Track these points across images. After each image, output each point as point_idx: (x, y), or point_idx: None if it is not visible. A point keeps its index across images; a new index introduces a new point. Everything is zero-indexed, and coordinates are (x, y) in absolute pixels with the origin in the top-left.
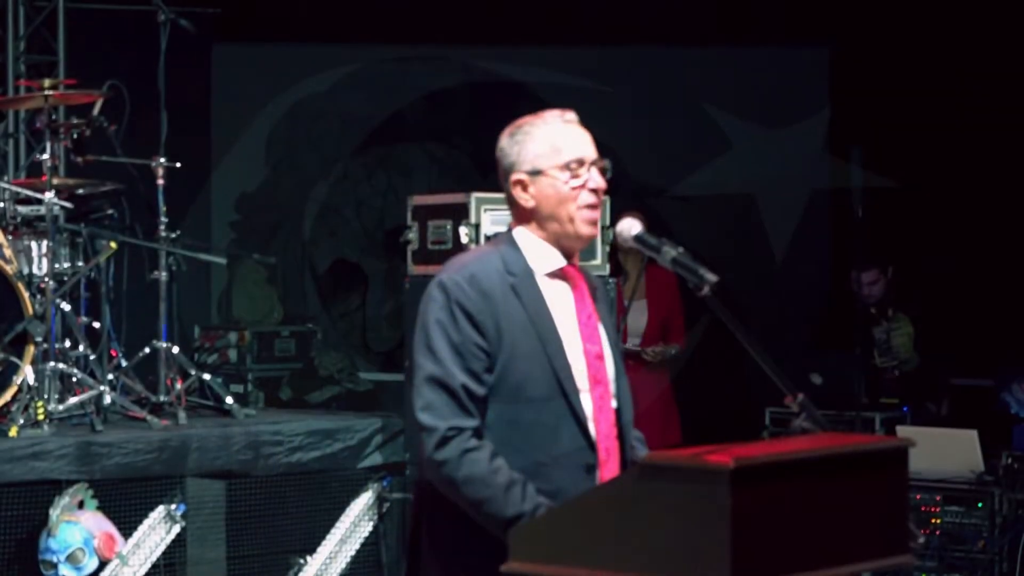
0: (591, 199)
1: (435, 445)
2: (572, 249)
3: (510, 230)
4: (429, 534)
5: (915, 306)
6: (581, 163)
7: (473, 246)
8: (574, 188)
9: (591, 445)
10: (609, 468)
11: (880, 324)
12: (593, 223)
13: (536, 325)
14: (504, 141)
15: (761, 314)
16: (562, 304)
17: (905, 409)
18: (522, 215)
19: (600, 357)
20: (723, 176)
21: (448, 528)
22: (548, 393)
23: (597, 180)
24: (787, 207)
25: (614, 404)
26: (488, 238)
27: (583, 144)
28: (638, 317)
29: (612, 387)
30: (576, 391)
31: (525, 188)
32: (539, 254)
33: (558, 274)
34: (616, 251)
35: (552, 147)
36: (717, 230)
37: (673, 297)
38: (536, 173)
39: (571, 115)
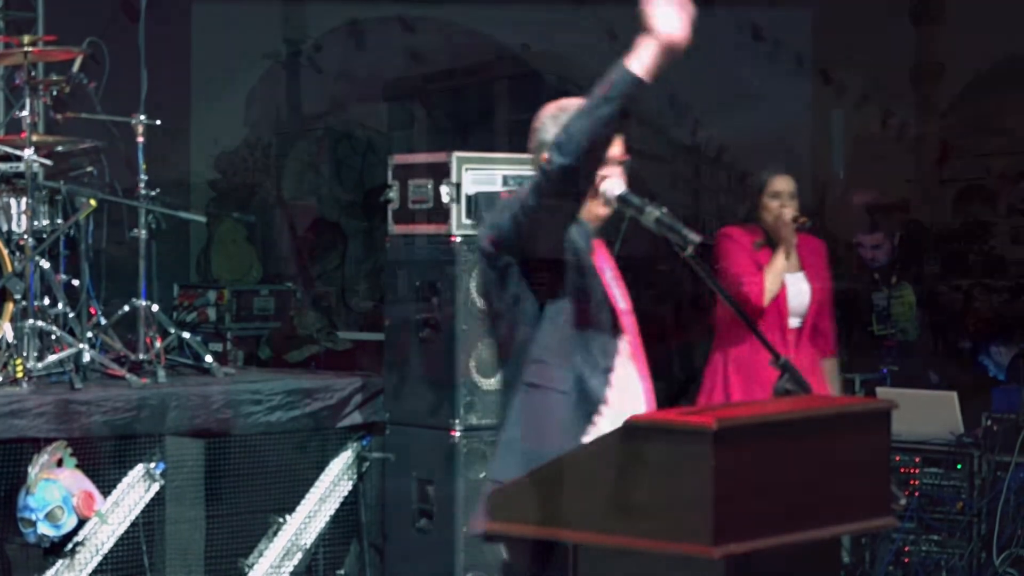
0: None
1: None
2: None
3: None
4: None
5: (927, 275)
6: (612, 161)
7: (454, 206)
8: (598, 183)
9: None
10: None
11: (881, 290)
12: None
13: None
14: (547, 116)
15: None
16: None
17: (884, 371)
18: None
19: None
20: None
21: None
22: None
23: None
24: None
25: None
26: (469, 198)
27: (618, 143)
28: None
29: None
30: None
31: None
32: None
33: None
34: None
35: None
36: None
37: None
38: None
39: None
